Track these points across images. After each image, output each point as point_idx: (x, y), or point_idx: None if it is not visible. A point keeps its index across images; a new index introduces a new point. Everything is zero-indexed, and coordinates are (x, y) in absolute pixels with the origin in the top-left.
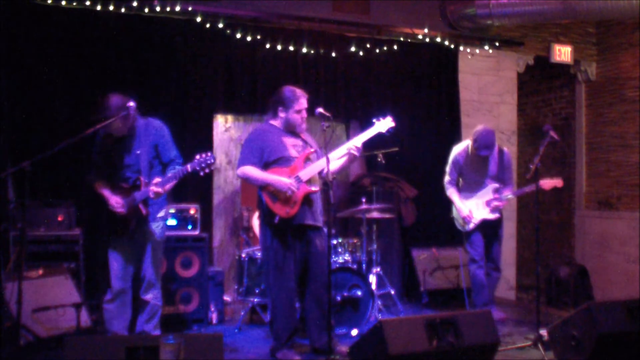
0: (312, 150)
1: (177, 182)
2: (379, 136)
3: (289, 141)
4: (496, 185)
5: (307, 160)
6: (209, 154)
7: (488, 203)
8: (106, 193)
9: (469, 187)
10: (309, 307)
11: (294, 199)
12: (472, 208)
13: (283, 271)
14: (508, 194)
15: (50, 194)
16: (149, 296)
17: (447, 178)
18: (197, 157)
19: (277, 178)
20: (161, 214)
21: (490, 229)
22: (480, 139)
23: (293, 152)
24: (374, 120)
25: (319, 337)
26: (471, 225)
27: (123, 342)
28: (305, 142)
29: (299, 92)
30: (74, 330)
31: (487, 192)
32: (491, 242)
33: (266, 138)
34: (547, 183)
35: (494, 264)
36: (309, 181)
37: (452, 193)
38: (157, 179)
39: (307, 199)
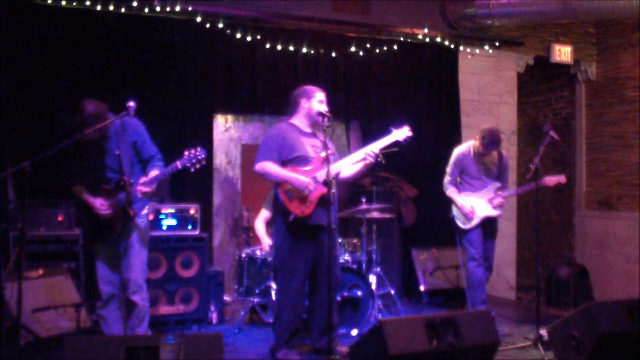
0: (330, 152)
1: (175, 182)
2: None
3: (308, 141)
4: (498, 184)
5: (325, 161)
6: (199, 148)
7: (491, 201)
8: (88, 198)
9: (471, 187)
10: (314, 307)
11: (310, 198)
12: (474, 206)
13: (292, 271)
14: (511, 192)
15: (50, 194)
16: (136, 297)
17: (447, 178)
18: (186, 153)
19: (295, 176)
20: (144, 211)
21: (488, 228)
22: (488, 135)
23: (311, 152)
24: (392, 128)
25: (320, 337)
26: (474, 223)
27: (123, 342)
28: (324, 143)
29: (315, 87)
30: (74, 330)
31: (490, 191)
32: (487, 241)
33: (286, 136)
34: (551, 180)
35: (488, 263)
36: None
37: (452, 192)
38: (144, 178)
39: (323, 200)
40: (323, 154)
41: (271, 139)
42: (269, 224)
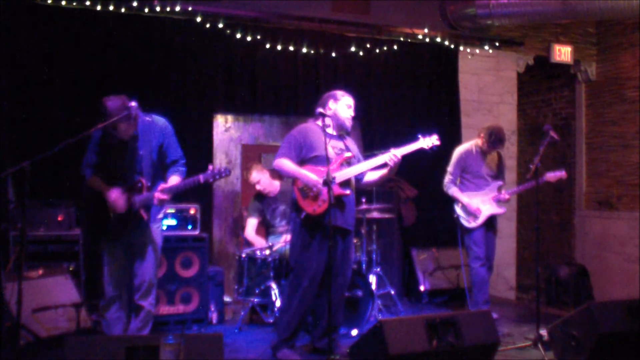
0: (351, 155)
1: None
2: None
3: (331, 142)
4: (499, 183)
5: (345, 163)
6: (224, 167)
7: (495, 199)
8: (106, 189)
9: (474, 186)
10: (320, 307)
11: (323, 197)
12: (479, 204)
13: (303, 269)
14: (513, 190)
15: (50, 194)
16: (145, 302)
17: (448, 177)
18: (210, 168)
19: (307, 174)
20: (160, 215)
21: (490, 227)
22: (495, 132)
23: (332, 153)
24: (419, 135)
25: (322, 337)
26: (479, 221)
27: (123, 342)
28: (346, 146)
29: (345, 92)
30: (74, 330)
31: (492, 190)
32: (489, 240)
33: (308, 135)
34: (552, 176)
35: (489, 262)
36: (343, 184)
37: (455, 191)
38: (163, 185)
39: (338, 201)
40: (346, 156)
41: (292, 137)
42: (260, 226)
